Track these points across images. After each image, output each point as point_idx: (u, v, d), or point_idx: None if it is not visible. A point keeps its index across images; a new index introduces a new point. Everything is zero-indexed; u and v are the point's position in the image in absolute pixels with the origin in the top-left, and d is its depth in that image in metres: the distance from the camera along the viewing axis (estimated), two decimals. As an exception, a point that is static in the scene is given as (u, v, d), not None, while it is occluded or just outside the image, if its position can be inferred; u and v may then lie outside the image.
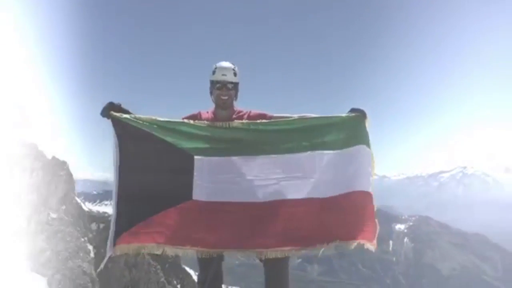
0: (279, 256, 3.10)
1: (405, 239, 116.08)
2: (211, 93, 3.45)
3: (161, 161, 3.22)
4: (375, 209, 3.28)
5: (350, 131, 3.33)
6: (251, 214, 3.16)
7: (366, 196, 3.28)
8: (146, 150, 3.21)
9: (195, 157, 3.22)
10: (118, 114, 3.15)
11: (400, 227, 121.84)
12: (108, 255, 3.08)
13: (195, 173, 3.20)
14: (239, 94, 3.47)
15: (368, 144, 3.35)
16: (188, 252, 3.16)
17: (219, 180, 3.21)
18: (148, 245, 3.11)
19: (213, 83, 3.38)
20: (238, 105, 3.52)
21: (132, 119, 3.18)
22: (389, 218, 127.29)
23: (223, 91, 3.35)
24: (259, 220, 3.15)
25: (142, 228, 3.11)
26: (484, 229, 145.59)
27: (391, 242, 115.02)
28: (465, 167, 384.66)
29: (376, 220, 3.26)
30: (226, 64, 3.41)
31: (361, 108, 3.38)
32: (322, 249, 3.15)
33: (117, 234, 3.10)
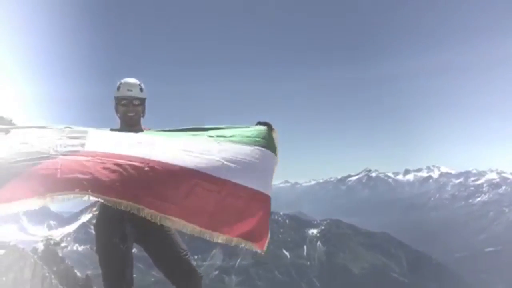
0: (169, 224, 2.91)
1: (318, 243, 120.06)
2: (116, 111, 3.31)
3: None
4: (269, 214, 3.19)
5: (257, 136, 3.25)
6: (151, 171, 2.79)
7: (266, 199, 3.14)
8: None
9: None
10: None
11: (313, 231, 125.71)
12: None
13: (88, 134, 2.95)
14: (146, 111, 3.32)
15: (275, 152, 3.28)
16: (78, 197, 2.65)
17: (118, 140, 2.96)
18: (29, 201, 2.56)
19: (118, 99, 3.25)
20: (146, 123, 3.39)
21: None
22: (302, 223, 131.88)
23: (130, 107, 3.23)
24: (159, 180, 2.81)
25: (21, 182, 2.57)
26: (389, 228, 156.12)
27: (305, 247, 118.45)
28: (369, 170, 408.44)
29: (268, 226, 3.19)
30: (131, 80, 3.29)
31: (267, 121, 3.34)
32: (215, 238, 2.94)
33: None
